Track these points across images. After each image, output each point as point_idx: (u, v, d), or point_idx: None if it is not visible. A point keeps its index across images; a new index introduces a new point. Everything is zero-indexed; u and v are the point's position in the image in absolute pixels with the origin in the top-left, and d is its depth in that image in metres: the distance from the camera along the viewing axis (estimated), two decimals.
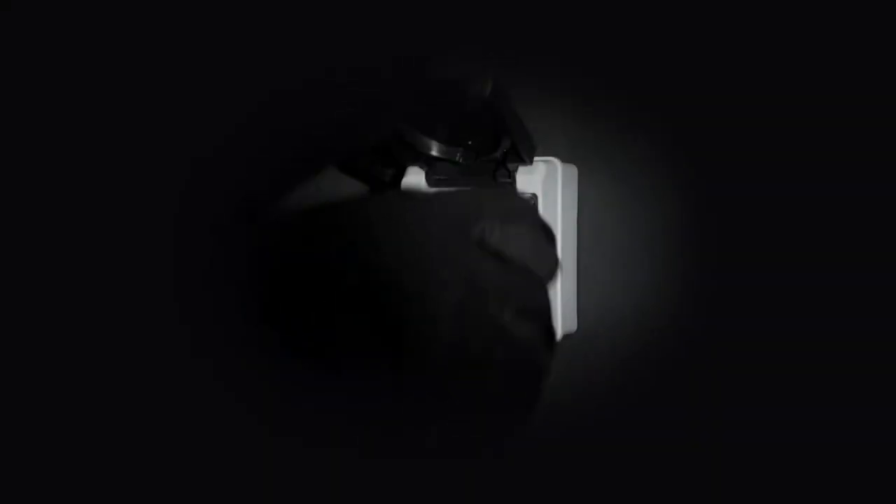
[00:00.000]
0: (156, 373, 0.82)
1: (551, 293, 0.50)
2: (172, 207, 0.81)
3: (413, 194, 0.56)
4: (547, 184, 0.69)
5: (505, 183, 0.69)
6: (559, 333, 0.70)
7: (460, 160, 0.67)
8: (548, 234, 0.46)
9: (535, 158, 0.70)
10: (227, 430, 0.80)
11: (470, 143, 0.67)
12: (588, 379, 0.73)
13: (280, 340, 0.48)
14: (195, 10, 0.80)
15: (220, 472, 0.80)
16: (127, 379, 0.82)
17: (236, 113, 0.79)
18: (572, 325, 0.72)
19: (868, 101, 0.69)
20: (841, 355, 0.69)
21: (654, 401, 0.72)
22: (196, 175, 0.80)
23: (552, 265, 0.45)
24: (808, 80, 0.69)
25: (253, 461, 0.79)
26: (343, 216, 0.50)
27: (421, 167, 0.71)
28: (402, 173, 0.70)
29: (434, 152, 0.66)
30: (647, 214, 0.72)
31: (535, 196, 0.69)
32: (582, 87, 0.73)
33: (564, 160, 0.71)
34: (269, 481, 0.78)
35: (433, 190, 0.69)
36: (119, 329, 0.82)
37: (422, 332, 0.43)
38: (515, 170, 0.69)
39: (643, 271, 0.72)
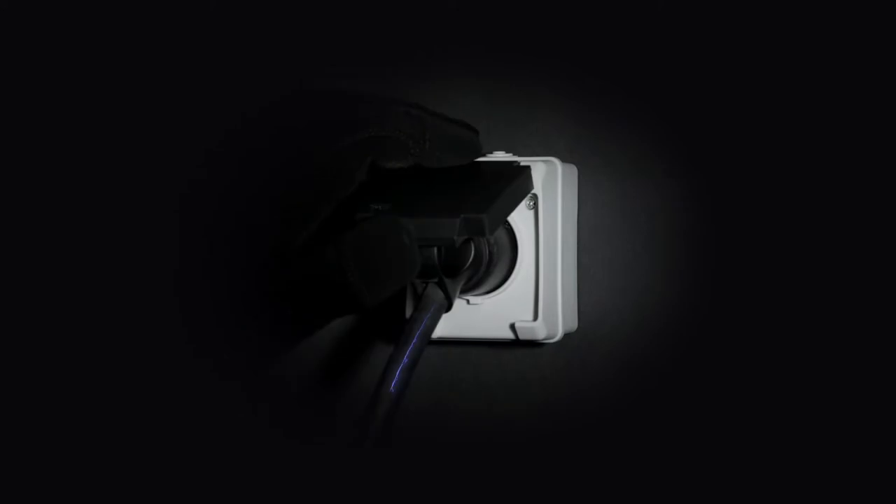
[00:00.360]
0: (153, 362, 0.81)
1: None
2: (172, 204, 0.81)
3: None
4: (547, 184, 0.69)
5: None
6: (559, 333, 0.70)
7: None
8: None
9: (535, 158, 0.70)
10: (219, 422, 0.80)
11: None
12: (588, 379, 0.73)
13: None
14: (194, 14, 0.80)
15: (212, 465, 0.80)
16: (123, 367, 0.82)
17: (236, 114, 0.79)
18: (572, 325, 0.72)
19: (871, 102, 0.69)
20: (842, 356, 0.69)
21: (655, 401, 0.72)
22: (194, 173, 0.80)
23: None
24: (811, 79, 0.69)
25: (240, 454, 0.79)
26: None
27: None
28: None
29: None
30: (647, 214, 0.72)
31: (535, 196, 0.69)
32: (582, 86, 0.73)
33: (564, 160, 0.70)
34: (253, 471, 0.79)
35: None
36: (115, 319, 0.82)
37: None
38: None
39: (643, 271, 0.72)
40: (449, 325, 0.70)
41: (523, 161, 0.70)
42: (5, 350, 0.83)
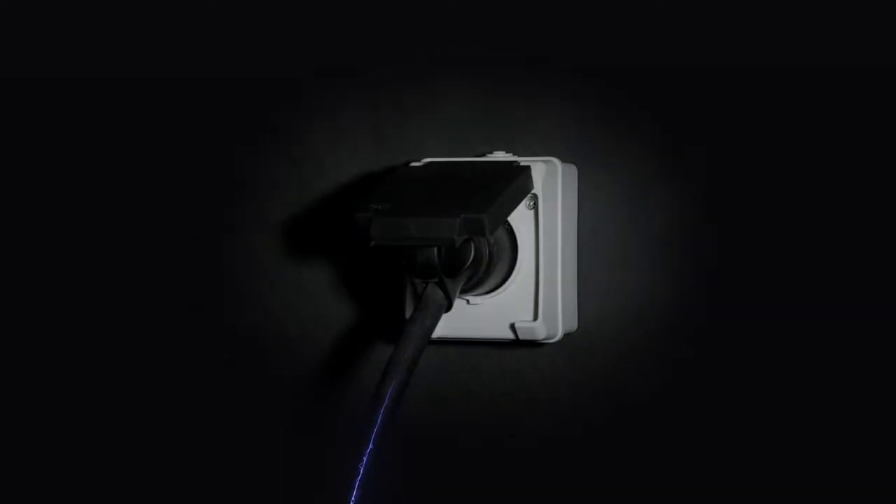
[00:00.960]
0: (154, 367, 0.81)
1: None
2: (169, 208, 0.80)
3: None
4: (547, 184, 0.69)
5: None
6: (559, 333, 0.70)
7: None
8: None
9: (535, 158, 0.70)
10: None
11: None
12: (588, 379, 0.73)
13: None
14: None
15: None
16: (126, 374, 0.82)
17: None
18: (572, 325, 0.72)
19: (871, 102, 0.69)
20: (844, 357, 0.69)
21: (655, 401, 0.72)
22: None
23: None
24: (812, 79, 0.69)
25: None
26: None
27: None
28: None
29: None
30: (647, 214, 0.72)
31: (535, 196, 0.69)
32: (582, 86, 0.73)
33: (564, 160, 0.70)
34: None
35: None
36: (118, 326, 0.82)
37: None
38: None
39: (643, 271, 0.72)
40: (449, 325, 0.70)
41: (523, 161, 0.69)
42: (6, 350, 0.83)
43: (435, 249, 0.64)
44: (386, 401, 0.61)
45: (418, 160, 0.72)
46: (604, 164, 0.73)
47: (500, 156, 0.71)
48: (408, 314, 0.70)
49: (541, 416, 0.74)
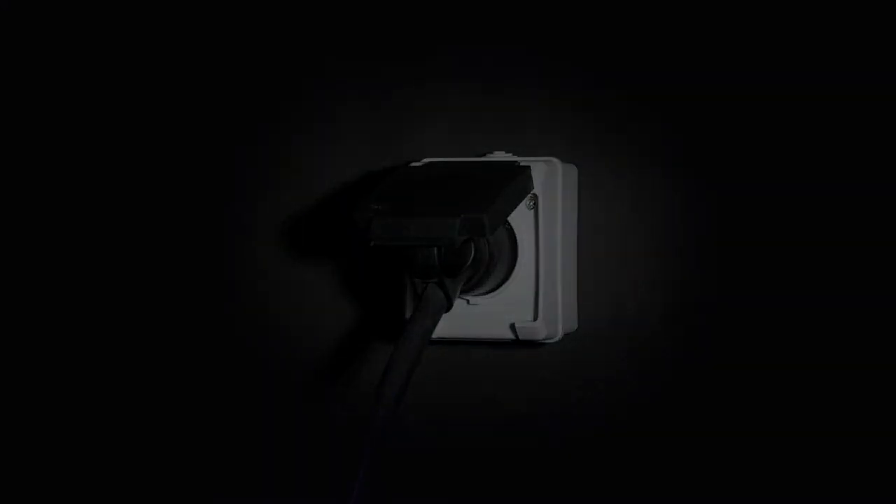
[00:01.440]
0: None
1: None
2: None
3: None
4: (547, 184, 0.69)
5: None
6: (559, 333, 0.70)
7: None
8: None
9: (535, 158, 0.70)
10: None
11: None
12: (588, 379, 0.73)
13: None
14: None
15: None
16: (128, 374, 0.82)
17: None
18: (572, 325, 0.72)
19: (871, 101, 0.69)
20: (846, 357, 0.69)
21: (655, 401, 0.72)
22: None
23: None
24: (812, 78, 0.69)
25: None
26: None
27: None
28: None
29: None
30: (648, 214, 0.72)
31: (535, 196, 0.69)
32: (582, 86, 0.73)
33: (564, 160, 0.70)
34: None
35: None
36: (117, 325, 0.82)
37: None
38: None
39: (643, 271, 0.72)
40: (449, 325, 0.70)
41: (523, 161, 0.70)
42: (7, 349, 0.83)
43: (435, 249, 0.64)
44: (386, 401, 0.61)
45: (418, 160, 0.72)
46: (604, 164, 0.73)
47: (500, 156, 0.71)
48: (408, 314, 0.70)
49: (541, 416, 0.74)
